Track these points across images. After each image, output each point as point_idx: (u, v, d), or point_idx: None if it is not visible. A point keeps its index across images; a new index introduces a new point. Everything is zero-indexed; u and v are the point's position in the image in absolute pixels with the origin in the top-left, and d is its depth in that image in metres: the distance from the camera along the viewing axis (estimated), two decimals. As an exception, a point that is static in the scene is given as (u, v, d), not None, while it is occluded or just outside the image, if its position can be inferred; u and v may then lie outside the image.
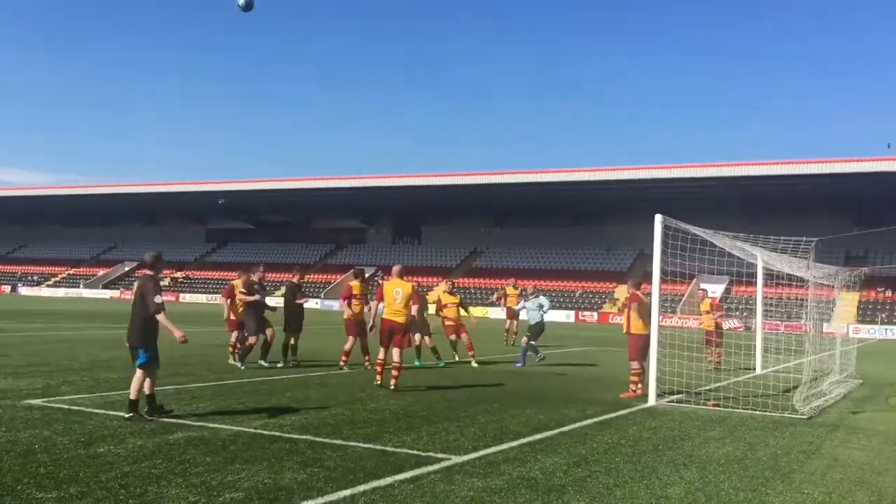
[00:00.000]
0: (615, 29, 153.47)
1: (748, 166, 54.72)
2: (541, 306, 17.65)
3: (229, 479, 6.27)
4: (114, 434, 7.89)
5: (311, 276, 69.14)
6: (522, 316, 18.75)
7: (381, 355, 12.48)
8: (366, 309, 14.80)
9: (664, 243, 12.05)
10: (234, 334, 15.09)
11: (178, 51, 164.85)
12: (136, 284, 9.06)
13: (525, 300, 18.70)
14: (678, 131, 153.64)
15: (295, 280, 15.78)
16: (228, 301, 15.07)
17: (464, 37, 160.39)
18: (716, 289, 23.21)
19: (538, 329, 17.66)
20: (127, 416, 8.65)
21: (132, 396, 8.72)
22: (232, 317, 15.07)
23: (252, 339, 14.62)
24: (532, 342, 17.39)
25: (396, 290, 12.38)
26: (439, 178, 64.87)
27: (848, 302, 21.56)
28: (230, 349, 15.24)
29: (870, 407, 12.78)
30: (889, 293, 55.06)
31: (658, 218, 11.96)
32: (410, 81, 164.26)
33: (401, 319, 12.29)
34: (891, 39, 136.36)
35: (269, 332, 14.83)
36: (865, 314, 52.45)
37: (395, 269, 12.97)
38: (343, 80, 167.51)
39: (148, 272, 9.15)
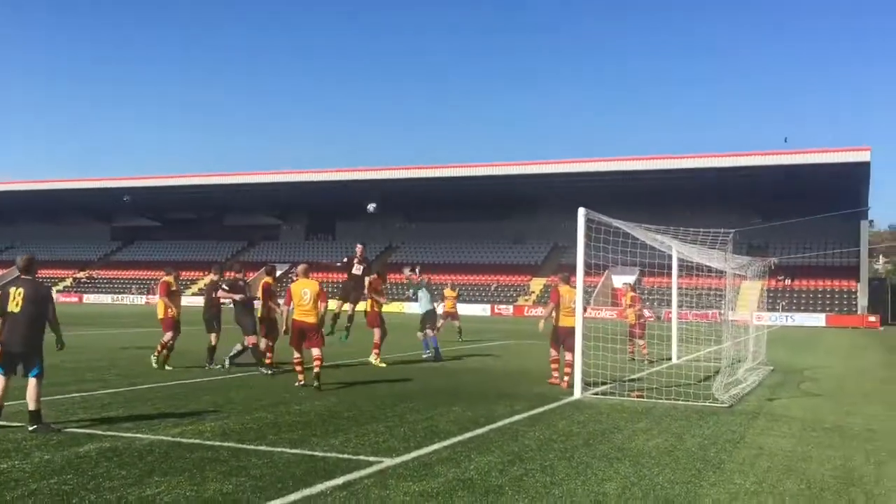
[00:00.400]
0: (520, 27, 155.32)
1: (653, 160, 56.14)
2: (430, 294, 18.26)
3: (148, 494, 5.87)
4: (18, 448, 7.34)
5: (223, 274, 67.43)
6: (421, 305, 18.64)
7: (296, 356, 12.26)
8: (277, 310, 14.37)
9: (585, 236, 12.07)
10: (170, 334, 14.37)
11: (98, 43, 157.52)
12: (18, 290, 8.40)
13: (419, 288, 18.63)
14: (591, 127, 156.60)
15: (215, 278, 15.31)
16: (165, 299, 14.42)
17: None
18: (628, 280, 23.78)
19: (433, 315, 18.12)
20: (31, 427, 8.09)
21: (32, 407, 8.18)
22: (169, 315, 14.38)
23: (253, 339, 14.08)
24: (429, 332, 17.66)
25: (304, 290, 12.15)
26: (351, 174, 64.32)
27: (753, 290, 22.27)
28: (157, 348, 14.42)
29: (784, 393, 13.15)
30: (789, 282, 57.63)
31: (581, 211, 11.96)
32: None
33: (311, 319, 12.09)
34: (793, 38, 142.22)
35: (251, 337, 14.21)
36: (767, 302, 54.60)
37: (301, 268, 12.71)
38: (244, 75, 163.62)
39: (26, 276, 8.62)
